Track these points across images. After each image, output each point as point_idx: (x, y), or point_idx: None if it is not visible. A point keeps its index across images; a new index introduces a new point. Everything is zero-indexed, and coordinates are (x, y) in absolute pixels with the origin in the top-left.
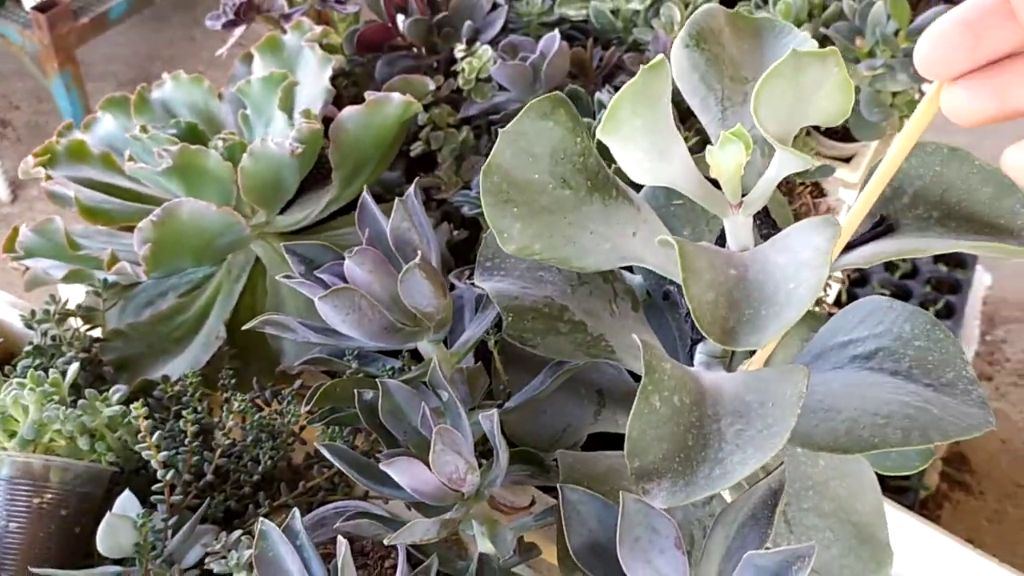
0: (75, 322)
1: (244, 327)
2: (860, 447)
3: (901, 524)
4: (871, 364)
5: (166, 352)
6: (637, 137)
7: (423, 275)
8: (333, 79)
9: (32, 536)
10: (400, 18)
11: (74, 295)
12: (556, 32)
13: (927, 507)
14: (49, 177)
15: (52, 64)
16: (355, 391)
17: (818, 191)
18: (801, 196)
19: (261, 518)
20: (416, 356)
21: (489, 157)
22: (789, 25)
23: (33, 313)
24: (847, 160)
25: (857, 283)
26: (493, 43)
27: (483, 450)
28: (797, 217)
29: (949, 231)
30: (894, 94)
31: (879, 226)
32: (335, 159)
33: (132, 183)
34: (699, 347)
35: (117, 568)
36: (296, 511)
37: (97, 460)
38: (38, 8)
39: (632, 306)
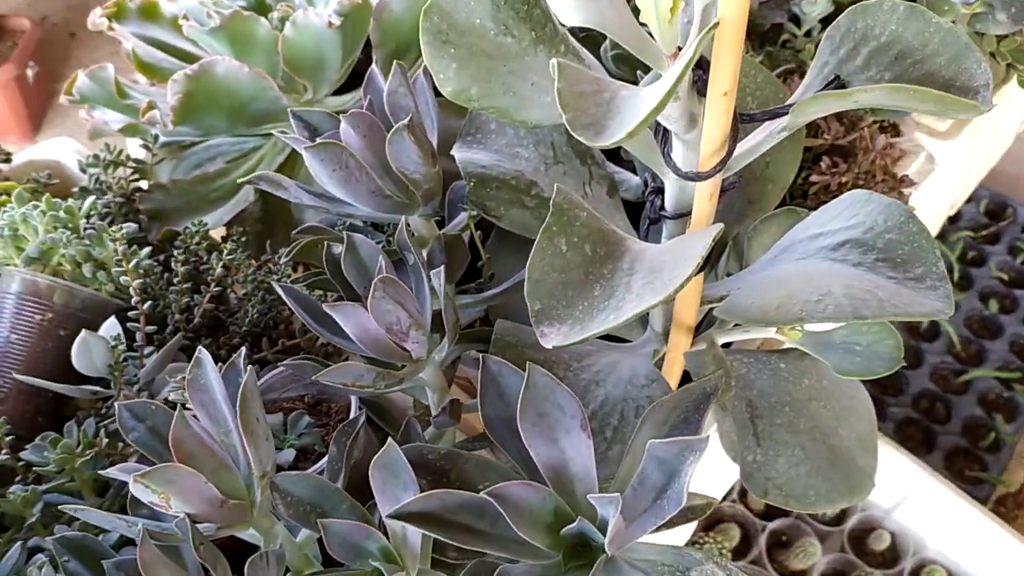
0: (125, 172)
1: (242, 179)
2: (786, 319)
3: (964, 515)
4: (835, 255)
5: (198, 210)
6: None
7: (411, 139)
8: None
9: (31, 350)
10: None
11: (136, 150)
12: None
13: (1005, 505)
14: (111, 28)
15: None
16: (324, 244)
17: (893, 130)
18: (859, 128)
19: (200, 347)
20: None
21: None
22: None
23: (88, 158)
24: None
25: (974, 263)
26: None
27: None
28: (849, 151)
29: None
30: (998, 39)
31: (829, 86)
32: (375, 38)
33: (193, 46)
34: (663, 232)
35: (95, 387)
36: (243, 350)
37: (99, 289)
38: None
39: (608, 191)
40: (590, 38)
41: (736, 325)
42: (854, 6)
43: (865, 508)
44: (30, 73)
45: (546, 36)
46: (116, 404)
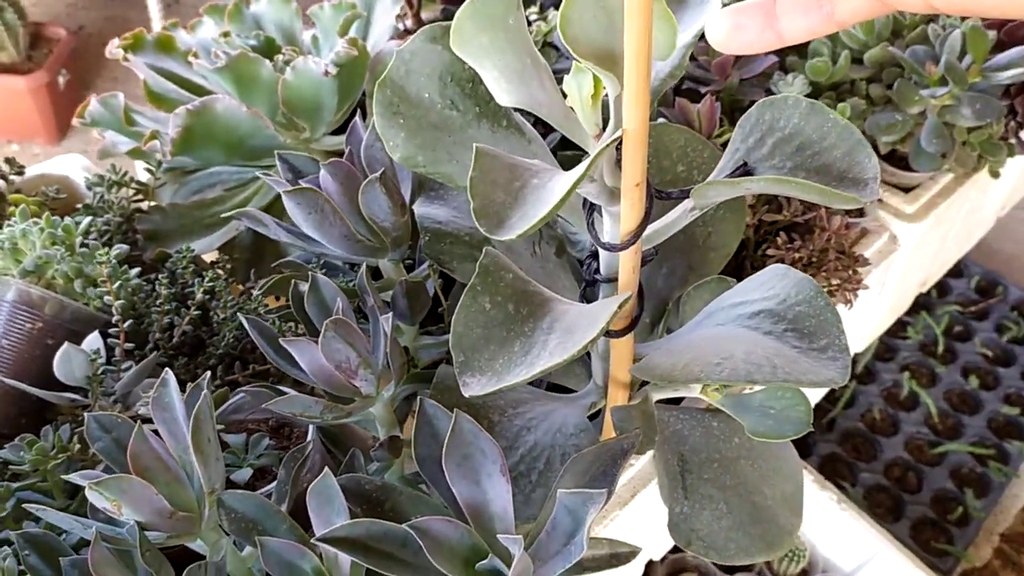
0: (127, 193)
1: (225, 214)
2: (686, 379)
3: None
4: (749, 323)
5: (192, 233)
6: (487, 54)
7: (382, 190)
8: (430, 24)
9: (20, 355)
10: None
11: (143, 172)
12: None
13: None
14: (127, 59)
15: None
16: (292, 281)
17: (857, 211)
18: (818, 207)
19: (166, 369)
20: (378, 276)
21: (384, 72)
22: None
23: (94, 177)
24: (907, 190)
25: (960, 337)
26: None
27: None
28: (807, 229)
29: (803, 178)
30: (968, 130)
31: (737, 172)
32: (369, 88)
33: (203, 81)
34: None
35: (74, 396)
36: (207, 374)
37: (88, 304)
38: None
39: (556, 251)
40: None
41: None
42: (763, 100)
43: (827, 570)
44: (61, 80)
45: (489, 111)
46: (86, 415)
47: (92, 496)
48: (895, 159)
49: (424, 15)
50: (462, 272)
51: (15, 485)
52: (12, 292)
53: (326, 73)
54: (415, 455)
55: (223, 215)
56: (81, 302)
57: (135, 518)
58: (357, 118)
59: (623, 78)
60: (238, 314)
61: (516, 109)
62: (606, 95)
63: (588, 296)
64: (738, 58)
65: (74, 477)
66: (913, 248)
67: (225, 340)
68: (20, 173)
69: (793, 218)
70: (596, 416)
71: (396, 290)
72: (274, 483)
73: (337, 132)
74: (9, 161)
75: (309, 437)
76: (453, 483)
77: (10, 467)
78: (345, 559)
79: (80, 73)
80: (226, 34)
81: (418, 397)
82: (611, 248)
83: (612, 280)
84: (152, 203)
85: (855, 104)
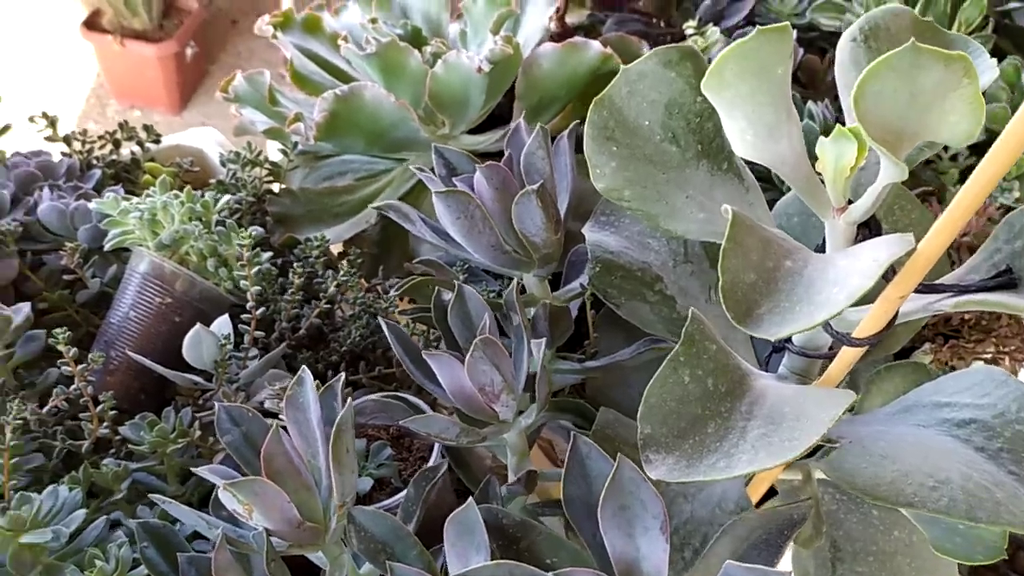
0: (260, 172)
1: (373, 205)
2: (896, 500)
3: None
4: (959, 432)
5: (320, 221)
6: (742, 103)
7: (538, 204)
8: (575, 29)
9: (146, 329)
10: None
11: (274, 152)
12: (793, 32)
13: None
14: (275, 37)
15: None
16: (436, 288)
17: None
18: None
19: (303, 366)
20: (522, 290)
21: (605, 90)
22: (983, 50)
23: (230, 154)
24: None
25: None
26: (732, 31)
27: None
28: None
29: None
30: None
31: (1000, 276)
32: (520, 89)
33: (347, 66)
34: (783, 360)
35: (198, 378)
36: (341, 375)
37: (218, 284)
38: None
39: None
40: None
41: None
42: None
43: None
44: (189, 52)
45: (711, 151)
46: (217, 405)
47: (224, 496)
48: None
49: (569, 19)
50: (628, 309)
51: (133, 466)
52: (145, 264)
53: (479, 70)
54: (563, 494)
55: (371, 206)
56: (212, 281)
57: (264, 524)
58: (521, 122)
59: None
60: (377, 317)
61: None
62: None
63: (771, 361)
64: None
65: (204, 471)
66: None
67: (351, 337)
68: (157, 141)
69: None
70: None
71: (538, 311)
72: (394, 497)
73: (474, 131)
74: (147, 128)
75: (434, 454)
76: (606, 532)
77: (127, 445)
78: None
79: (206, 47)
80: (374, 20)
81: (571, 434)
82: (848, 341)
83: (804, 354)
84: (283, 186)
85: None
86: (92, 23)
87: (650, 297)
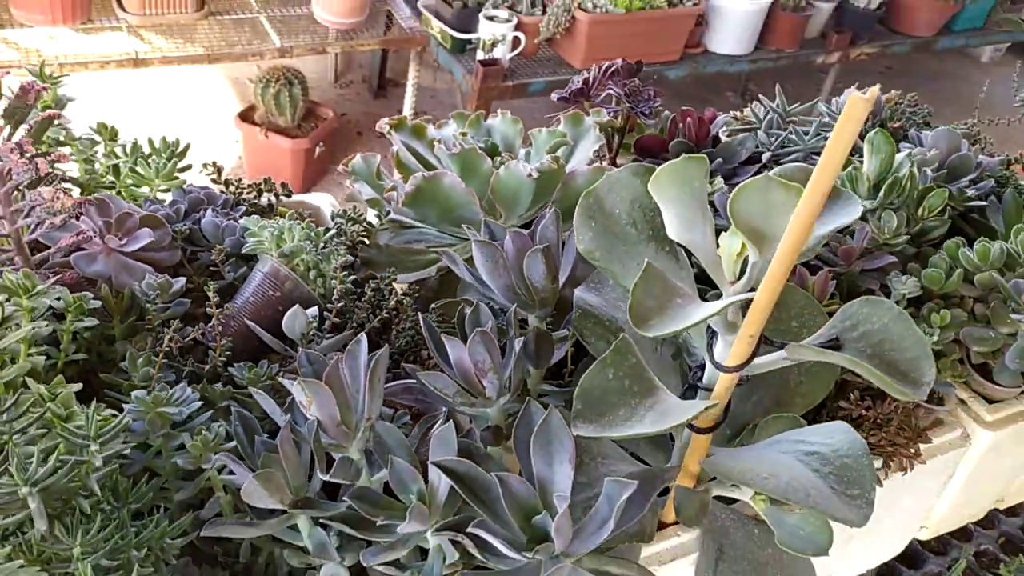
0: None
1: (435, 251)
2: (740, 481)
3: None
4: (805, 459)
5: (395, 268)
6: (671, 202)
7: (542, 260)
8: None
9: (257, 312)
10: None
11: (371, 217)
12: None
13: None
14: (390, 134)
15: (472, 104)
16: (461, 304)
17: (936, 401)
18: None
19: (361, 335)
20: (524, 326)
21: (592, 186)
22: (855, 198)
23: (339, 211)
24: (993, 402)
25: None
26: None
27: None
28: (881, 395)
29: (874, 365)
30: None
31: (830, 342)
32: (559, 194)
33: (437, 162)
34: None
35: (286, 346)
36: (386, 347)
37: (314, 289)
38: (483, 63)
39: (673, 355)
40: None
41: (733, 486)
42: (864, 297)
43: None
44: (317, 150)
45: (658, 237)
46: (300, 349)
47: (295, 389)
48: (985, 371)
49: (619, 160)
50: (596, 348)
51: (232, 391)
52: (267, 266)
53: (529, 175)
54: (513, 435)
55: (433, 250)
56: (311, 287)
57: (316, 415)
58: (548, 210)
59: (766, 252)
60: (418, 314)
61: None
62: (747, 256)
63: (687, 396)
64: (865, 251)
65: (285, 381)
66: (985, 451)
67: (400, 341)
68: (288, 195)
69: (870, 382)
70: (664, 493)
71: (529, 335)
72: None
73: (524, 226)
74: (283, 185)
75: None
76: (533, 459)
77: (233, 380)
78: (444, 489)
79: (332, 148)
80: (464, 134)
81: (526, 399)
82: (720, 368)
83: (709, 389)
84: (372, 241)
85: (956, 314)
86: (245, 115)
87: (613, 340)
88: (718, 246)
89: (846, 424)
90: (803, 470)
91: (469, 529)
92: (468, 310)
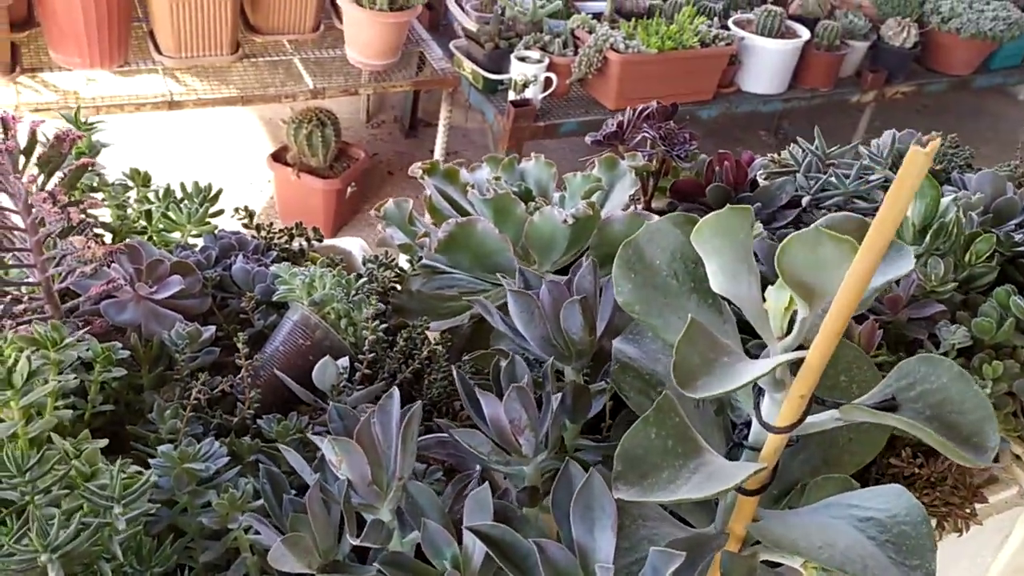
0: (389, 274)
1: (468, 299)
2: (791, 550)
3: None
4: (859, 525)
5: (426, 315)
6: (715, 253)
7: (580, 311)
8: (657, 212)
9: (287, 361)
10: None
11: (403, 263)
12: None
13: None
14: (423, 178)
15: (503, 144)
16: (496, 357)
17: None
18: None
19: (393, 389)
20: (560, 378)
21: (632, 236)
22: (908, 250)
23: (371, 256)
24: None
25: None
26: (775, 231)
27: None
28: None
29: (934, 429)
30: None
31: (884, 403)
32: (594, 240)
33: (470, 207)
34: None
35: (316, 398)
36: (419, 402)
37: (345, 338)
38: (514, 103)
39: (716, 410)
40: None
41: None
42: (921, 355)
43: None
44: (349, 190)
45: (701, 289)
46: (330, 404)
47: (325, 447)
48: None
49: (654, 204)
50: (635, 402)
51: (260, 444)
52: (298, 315)
53: (564, 221)
54: (551, 498)
55: (466, 299)
56: (341, 336)
57: (347, 475)
58: (585, 258)
59: (816, 307)
60: (451, 366)
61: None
62: (795, 311)
63: (732, 455)
64: (912, 299)
65: (314, 438)
66: None
67: (432, 392)
68: (319, 240)
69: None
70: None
71: (566, 389)
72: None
73: (560, 272)
74: (315, 230)
75: (475, 475)
76: (574, 525)
77: (261, 432)
78: (479, 555)
79: (363, 189)
80: (497, 178)
81: (566, 459)
82: (769, 429)
83: (756, 449)
84: (404, 287)
85: (1009, 366)
86: (277, 156)
87: (652, 395)
88: (764, 300)
89: (901, 487)
90: (859, 538)
91: None
92: (504, 363)
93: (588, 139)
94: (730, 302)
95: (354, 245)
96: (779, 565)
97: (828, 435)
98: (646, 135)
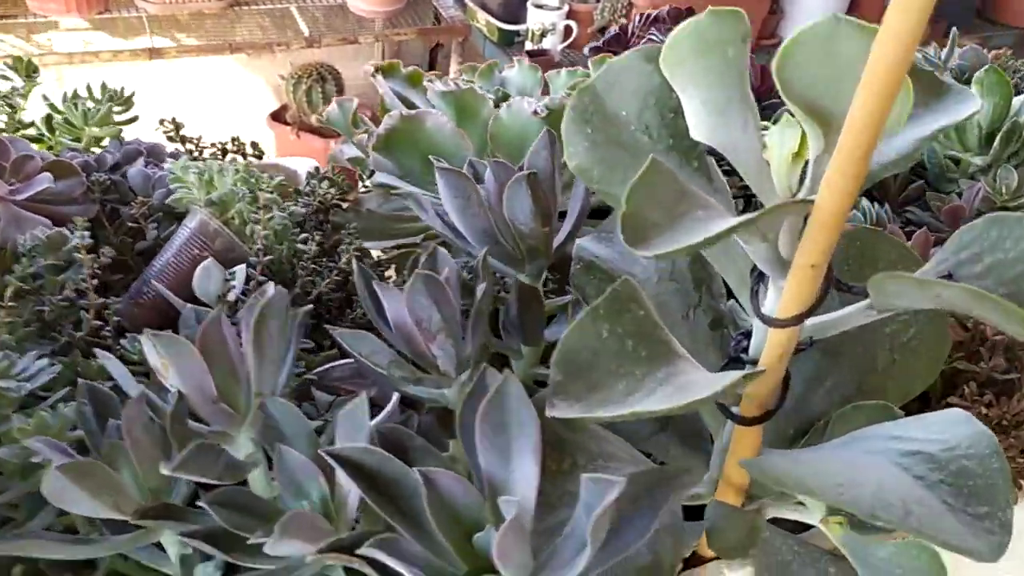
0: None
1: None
2: (796, 488)
3: None
4: (901, 460)
5: (373, 237)
6: (696, 82)
7: (528, 192)
8: None
9: (180, 274)
10: None
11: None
12: None
13: None
14: (374, 76)
15: None
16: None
17: None
18: None
19: (269, 283)
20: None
21: (589, 78)
22: (970, 92)
23: (312, 170)
24: None
25: None
26: None
27: None
28: (1004, 391)
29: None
30: None
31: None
32: None
33: (427, 106)
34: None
35: (202, 309)
36: (310, 307)
37: (250, 249)
38: (531, 54)
39: (711, 323)
40: None
41: (798, 503)
42: (992, 215)
43: None
44: None
45: (682, 147)
46: (187, 306)
47: (146, 346)
48: None
49: None
50: None
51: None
52: (195, 221)
53: (535, 113)
54: (458, 417)
55: (414, 232)
56: (248, 246)
57: (179, 385)
58: (544, 133)
59: (834, 140)
60: (354, 259)
61: (710, 153)
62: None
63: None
64: (977, 214)
65: (141, 336)
66: None
67: (359, 315)
68: (259, 157)
69: (992, 372)
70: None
71: (511, 295)
72: None
73: None
74: (254, 144)
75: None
76: (481, 449)
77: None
78: (355, 497)
79: None
80: (470, 82)
81: (482, 365)
82: (767, 321)
83: (752, 364)
84: (353, 206)
85: None
86: (277, 115)
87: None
88: (764, 147)
89: (963, 412)
90: (900, 476)
91: (363, 550)
92: (423, 257)
93: (587, 49)
94: (721, 159)
95: (303, 165)
96: (808, 528)
97: (864, 353)
98: (654, 40)
